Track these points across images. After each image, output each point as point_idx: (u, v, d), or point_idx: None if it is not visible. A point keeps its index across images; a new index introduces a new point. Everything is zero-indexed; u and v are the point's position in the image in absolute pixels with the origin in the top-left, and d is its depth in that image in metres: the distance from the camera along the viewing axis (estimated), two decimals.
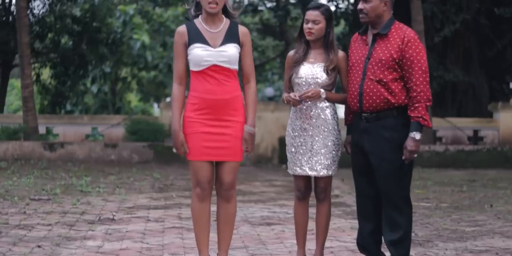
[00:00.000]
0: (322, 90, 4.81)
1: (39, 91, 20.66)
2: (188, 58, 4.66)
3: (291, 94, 4.81)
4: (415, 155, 4.61)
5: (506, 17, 16.63)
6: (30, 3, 18.31)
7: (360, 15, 4.69)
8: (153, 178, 11.10)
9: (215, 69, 4.60)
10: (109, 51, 20.93)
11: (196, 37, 4.62)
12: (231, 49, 4.62)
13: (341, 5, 20.93)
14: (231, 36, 4.65)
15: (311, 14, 4.80)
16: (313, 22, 4.79)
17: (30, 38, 16.41)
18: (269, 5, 23.98)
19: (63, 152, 14.16)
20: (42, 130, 15.26)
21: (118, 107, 31.40)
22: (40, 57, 19.80)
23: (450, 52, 18.13)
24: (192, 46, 4.62)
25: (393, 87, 4.61)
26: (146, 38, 29.81)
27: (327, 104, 4.87)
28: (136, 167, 12.86)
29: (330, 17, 4.84)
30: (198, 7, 4.71)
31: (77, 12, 21.95)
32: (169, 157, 14.22)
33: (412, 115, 4.58)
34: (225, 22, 4.69)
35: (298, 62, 4.88)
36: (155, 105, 35.73)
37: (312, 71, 4.85)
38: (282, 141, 15.02)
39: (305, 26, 4.83)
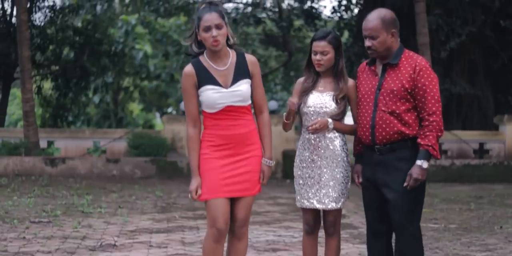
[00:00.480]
0: (330, 120, 4.65)
1: (40, 104, 20.51)
2: (200, 99, 4.47)
3: (290, 98, 4.65)
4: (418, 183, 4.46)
5: None
6: (31, 16, 18.20)
7: (369, 51, 4.51)
8: (156, 196, 10.92)
9: (229, 109, 4.42)
10: (111, 63, 20.81)
11: (206, 78, 4.42)
12: (244, 87, 4.43)
13: (345, 16, 20.79)
14: (241, 71, 4.45)
15: (319, 46, 4.63)
16: (322, 53, 4.63)
17: (31, 50, 16.28)
18: (271, 15, 23.84)
19: (64, 168, 13.99)
20: (43, 144, 15.07)
21: (120, 117, 31.28)
22: (41, 69, 19.67)
23: (456, 64, 17.96)
24: (203, 88, 4.42)
25: (406, 118, 4.45)
26: (148, 48, 29.73)
27: (336, 134, 4.70)
28: (138, 184, 12.68)
29: (339, 46, 4.66)
30: (201, 44, 4.47)
31: (78, 23, 21.84)
32: (172, 172, 14.08)
33: (422, 143, 4.42)
34: (231, 56, 4.48)
35: (307, 91, 4.72)
36: (157, 114, 35.61)
37: (321, 100, 4.69)
38: (285, 155, 14.84)
39: (313, 57, 4.66)
